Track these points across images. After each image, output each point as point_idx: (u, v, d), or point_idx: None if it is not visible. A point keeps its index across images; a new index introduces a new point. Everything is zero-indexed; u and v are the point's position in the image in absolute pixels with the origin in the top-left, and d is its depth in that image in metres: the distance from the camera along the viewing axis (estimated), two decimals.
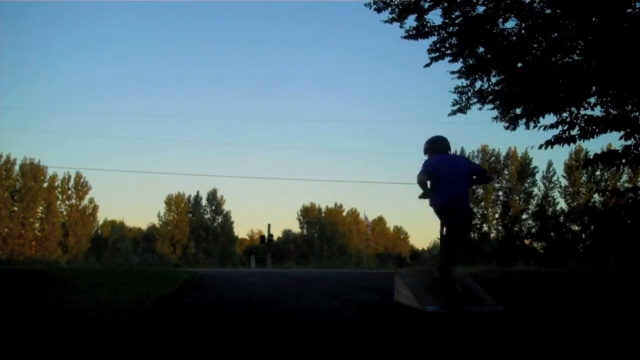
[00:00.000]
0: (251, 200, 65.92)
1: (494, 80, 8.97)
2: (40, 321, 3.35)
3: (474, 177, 5.03)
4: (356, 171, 65.02)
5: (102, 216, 50.31)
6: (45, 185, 39.78)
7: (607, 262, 22.66)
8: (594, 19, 7.40)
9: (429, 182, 4.77)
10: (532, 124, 8.75)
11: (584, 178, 35.74)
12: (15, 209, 37.86)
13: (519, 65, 8.51)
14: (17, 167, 38.91)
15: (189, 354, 2.58)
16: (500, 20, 8.14)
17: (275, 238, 34.91)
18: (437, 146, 5.02)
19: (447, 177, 4.69)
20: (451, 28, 8.30)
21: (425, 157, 5.03)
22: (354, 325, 3.61)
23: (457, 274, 5.05)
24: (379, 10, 8.35)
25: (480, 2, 8.01)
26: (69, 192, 41.32)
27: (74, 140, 60.92)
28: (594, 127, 7.83)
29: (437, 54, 8.60)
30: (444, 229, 4.79)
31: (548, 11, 7.82)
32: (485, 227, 38.33)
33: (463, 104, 9.36)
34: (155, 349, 2.69)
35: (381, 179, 72.98)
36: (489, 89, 9.05)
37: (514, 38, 8.17)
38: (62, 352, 2.49)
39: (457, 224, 4.71)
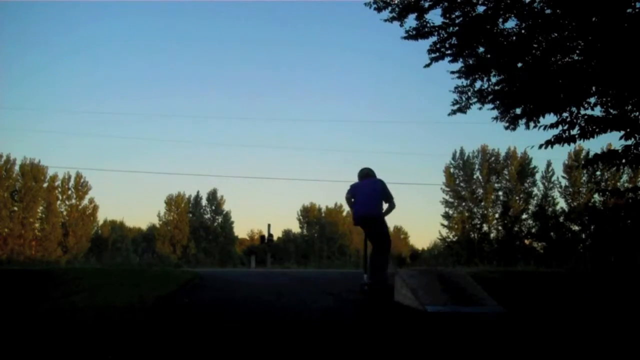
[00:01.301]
0: (251, 200, 66.04)
1: (494, 80, 8.96)
2: (38, 321, 3.35)
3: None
4: (356, 171, 64.81)
5: (102, 216, 50.41)
6: (45, 185, 39.79)
7: (607, 262, 22.65)
8: (594, 19, 7.40)
9: (352, 200, 6.47)
10: (532, 124, 8.74)
11: (584, 178, 35.77)
12: (15, 209, 37.86)
13: (519, 65, 8.51)
14: (17, 167, 38.95)
15: (190, 354, 2.58)
16: (500, 20, 8.13)
17: (275, 238, 34.87)
18: (360, 174, 6.79)
19: (362, 197, 6.36)
20: (451, 28, 8.29)
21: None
22: (354, 325, 3.61)
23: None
24: (379, 9, 8.35)
25: (480, 2, 8.00)
26: (69, 192, 41.35)
27: (74, 140, 61.09)
28: (594, 127, 7.82)
29: (437, 54, 8.59)
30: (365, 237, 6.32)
31: (548, 11, 7.82)
32: (485, 227, 38.37)
33: (463, 104, 9.35)
34: (156, 349, 2.69)
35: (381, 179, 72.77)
36: (489, 89, 9.04)
37: (514, 38, 8.16)
38: (62, 352, 2.49)
39: (368, 231, 6.25)
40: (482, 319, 3.87)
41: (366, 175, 6.76)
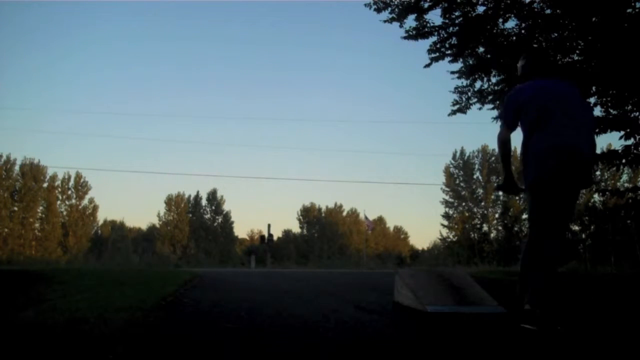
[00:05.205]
0: (251, 200, 66.02)
1: (494, 80, 8.99)
2: (37, 321, 3.35)
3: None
4: (356, 171, 65.09)
5: (102, 216, 50.41)
6: (45, 185, 39.84)
7: (607, 262, 22.65)
8: (594, 19, 7.41)
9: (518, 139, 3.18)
10: None
11: None
12: (15, 209, 37.91)
13: None
14: (17, 167, 39.00)
15: (189, 355, 2.58)
16: (500, 20, 8.14)
17: (275, 238, 34.92)
18: (535, 66, 3.25)
19: (563, 117, 2.93)
20: (451, 28, 8.30)
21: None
22: (354, 325, 3.61)
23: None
24: (378, 10, 8.36)
25: (480, 2, 8.01)
26: (69, 192, 41.42)
27: (74, 140, 61.10)
28: None
29: (437, 54, 8.61)
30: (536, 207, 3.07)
31: (548, 11, 7.83)
32: (485, 227, 38.38)
33: (463, 104, 9.37)
34: (155, 350, 2.69)
35: (381, 179, 72.95)
36: (489, 89, 9.05)
37: (514, 38, 8.17)
38: (62, 352, 2.49)
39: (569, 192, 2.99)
40: (482, 319, 3.86)
41: (545, 67, 3.29)
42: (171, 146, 65.90)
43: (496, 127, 10.29)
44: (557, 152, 2.90)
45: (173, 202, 45.46)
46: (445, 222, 38.74)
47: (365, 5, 8.41)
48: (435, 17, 8.37)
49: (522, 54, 3.37)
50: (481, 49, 8.62)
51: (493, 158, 38.53)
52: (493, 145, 40.74)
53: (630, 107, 8.07)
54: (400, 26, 8.51)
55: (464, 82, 9.10)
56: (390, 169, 67.69)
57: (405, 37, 8.53)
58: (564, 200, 3.00)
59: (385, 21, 8.47)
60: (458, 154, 38.92)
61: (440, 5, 8.09)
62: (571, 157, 2.89)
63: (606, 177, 34.28)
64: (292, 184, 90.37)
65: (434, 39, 8.47)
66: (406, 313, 4.26)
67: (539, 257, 3.04)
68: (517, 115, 3.17)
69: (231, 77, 67.65)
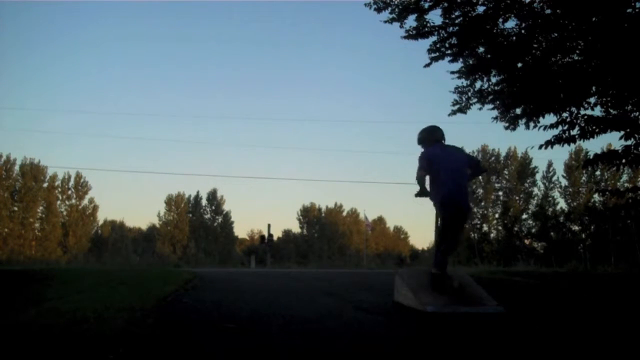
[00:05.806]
0: (251, 200, 66.00)
1: (494, 80, 8.97)
2: (37, 321, 3.35)
3: (470, 170, 5.00)
4: (356, 171, 65.08)
5: (102, 216, 50.35)
6: (45, 185, 39.82)
7: (607, 262, 22.68)
8: (594, 19, 7.41)
9: (427, 177, 4.74)
10: (532, 124, 8.76)
11: (584, 178, 35.81)
12: (15, 209, 37.90)
13: (519, 65, 8.51)
14: (17, 167, 38.99)
15: (189, 355, 2.58)
16: (500, 20, 8.14)
17: (275, 238, 34.87)
18: (433, 135, 4.94)
19: (448, 169, 4.65)
20: (451, 28, 8.30)
21: (420, 148, 5.01)
22: (354, 325, 3.61)
23: (457, 273, 5.05)
24: (379, 10, 8.35)
25: (480, 2, 8.01)
26: (69, 192, 41.41)
27: (74, 140, 61.09)
28: (594, 127, 7.83)
29: (437, 54, 8.60)
30: (440, 222, 4.80)
31: (548, 11, 7.83)
32: (485, 227, 38.37)
33: (463, 104, 9.35)
34: (155, 350, 2.69)
35: (381, 179, 72.92)
36: (489, 89, 9.05)
37: (514, 38, 8.17)
38: (62, 352, 2.49)
39: (456, 219, 4.70)
40: (482, 319, 3.87)
41: (442, 138, 4.95)
42: (171, 146, 65.92)
43: (496, 127, 10.28)
44: (446, 198, 4.64)
45: (173, 202, 45.46)
46: None
47: (365, 5, 8.40)
48: (435, 17, 8.37)
49: (421, 130, 5.04)
50: (481, 49, 8.61)
51: (493, 158, 38.55)
52: (493, 145, 40.90)
53: (630, 107, 8.06)
54: (401, 26, 8.50)
55: (464, 82, 9.09)
56: (390, 169, 67.71)
57: (405, 37, 8.53)
58: (454, 221, 4.72)
59: (385, 21, 8.46)
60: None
61: (440, 5, 8.08)
62: (453, 200, 4.64)
63: (606, 177, 34.27)
64: (292, 184, 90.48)
65: (434, 38, 8.46)
66: (406, 313, 4.26)
67: (442, 246, 4.76)
68: (429, 165, 4.72)
69: (231, 77, 67.69)
